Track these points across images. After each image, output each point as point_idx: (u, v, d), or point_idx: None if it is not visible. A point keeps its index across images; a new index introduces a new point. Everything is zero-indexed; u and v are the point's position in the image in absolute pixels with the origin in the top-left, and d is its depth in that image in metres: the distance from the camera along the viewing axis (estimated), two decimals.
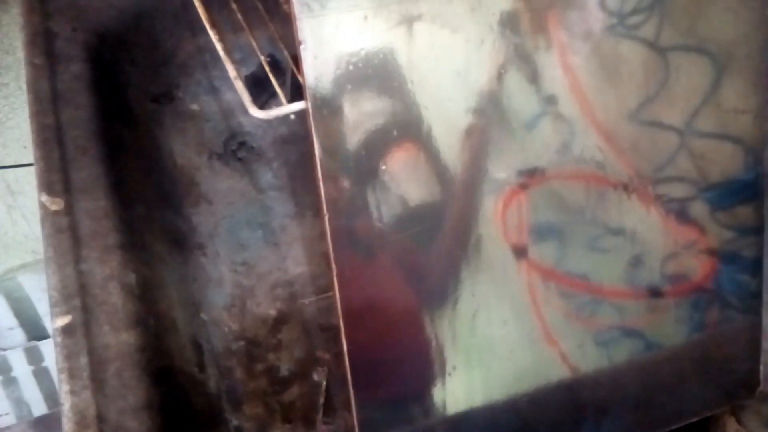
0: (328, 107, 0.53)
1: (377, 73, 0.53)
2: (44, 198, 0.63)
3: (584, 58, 0.58)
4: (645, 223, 0.63)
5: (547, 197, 0.60)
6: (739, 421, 0.69)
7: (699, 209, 0.65)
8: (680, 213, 0.64)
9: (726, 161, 0.64)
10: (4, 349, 1.14)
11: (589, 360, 0.64)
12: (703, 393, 0.68)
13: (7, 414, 1.13)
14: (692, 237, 0.65)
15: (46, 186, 0.64)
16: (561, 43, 0.57)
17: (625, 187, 0.62)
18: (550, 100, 0.58)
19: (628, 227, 0.63)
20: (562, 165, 0.60)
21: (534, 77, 0.57)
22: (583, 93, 0.59)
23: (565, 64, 0.57)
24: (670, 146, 0.63)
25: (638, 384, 0.66)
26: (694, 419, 0.67)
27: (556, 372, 0.63)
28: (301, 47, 0.51)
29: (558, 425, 0.64)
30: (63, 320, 0.59)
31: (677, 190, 0.64)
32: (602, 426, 0.65)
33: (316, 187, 0.55)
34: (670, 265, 0.65)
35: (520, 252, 0.61)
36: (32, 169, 0.67)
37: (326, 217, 0.55)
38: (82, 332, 0.59)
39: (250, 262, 0.80)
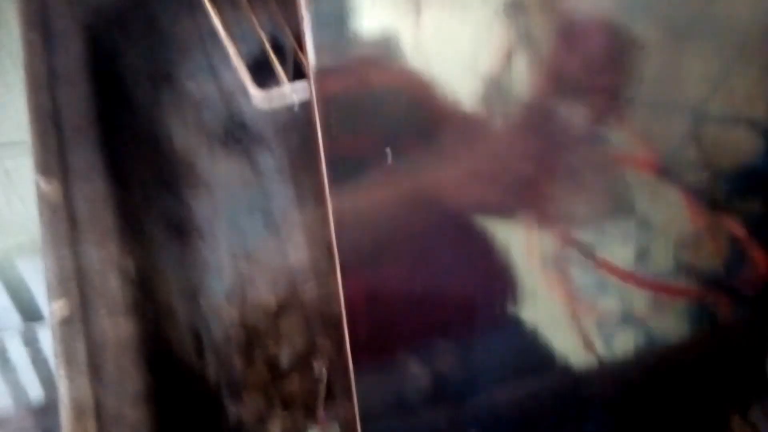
0: (331, 89, 0.51)
1: (383, 56, 0.52)
2: (40, 180, 0.62)
3: (596, 41, 0.56)
4: (656, 210, 0.62)
5: None
6: (743, 416, 0.69)
7: (709, 198, 0.64)
8: (691, 201, 0.63)
9: (737, 150, 0.63)
10: (0, 331, 1.13)
11: (592, 353, 0.64)
12: (710, 390, 0.68)
13: (2, 395, 1.13)
14: (701, 227, 0.64)
15: (43, 167, 0.63)
16: (572, 25, 0.55)
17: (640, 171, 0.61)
18: None
19: (640, 213, 0.62)
20: None
21: (544, 61, 0.56)
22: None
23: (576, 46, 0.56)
24: (682, 131, 0.61)
25: (642, 380, 0.65)
26: (700, 417, 0.67)
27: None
28: (304, 27, 0.50)
29: (559, 421, 0.64)
30: (59, 306, 0.58)
31: (689, 177, 0.63)
32: (606, 423, 0.65)
33: (318, 173, 0.53)
34: (679, 255, 0.64)
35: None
36: (29, 149, 0.66)
37: (328, 204, 0.54)
38: (79, 318, 0.58)
39: (250, 249, 0.79)
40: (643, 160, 0.61)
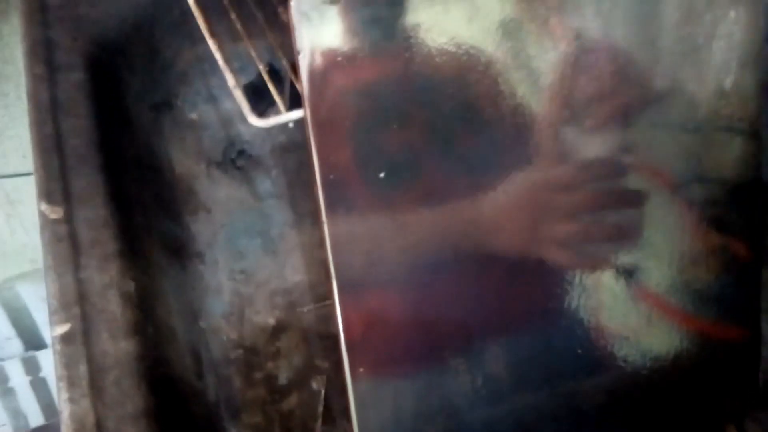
0: (326, 115, 0.53)
1: (376, 83, 0.53)
2: (44, 206, 0.64)
3: (586, 64, 0.58)
4: (658, 229, 0.63)
5: None
6: (737, 427, 0.69)
7: (697, 214, 0.64)
8: (690, 217, 0.63)
9: (724, 166, 0.64)
10: (2, 360, 1.13)
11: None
12: (704, 401, 0.68)
13: (3, 425, 1.12)
14: (691, 242, 0.65)
15: (46, 194, 0.64)
16: (563, 49, 0.57)
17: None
18: None
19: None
20: None
21: (536, 85, 0.57)
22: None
23: (567, 69, 0.57)
24: (674, 148, 0.62)
25: (633, 396, 0.65)
26: (695, 428, 0.67)
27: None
28: (300, 56, 0.51)
29: None
30: (62, 328, 0.59)
31: (691, 192, 0.63)
32: None
33: (315, 195, 0.55)
34: (669, 271, 0.65)
35: None
36: (31, 178, 0.67)
37: (324, 225, 0.55)
38: (81, 340, 0.59)
39: (249, 271, 0.80)
40: (662, 179, 0.62)
